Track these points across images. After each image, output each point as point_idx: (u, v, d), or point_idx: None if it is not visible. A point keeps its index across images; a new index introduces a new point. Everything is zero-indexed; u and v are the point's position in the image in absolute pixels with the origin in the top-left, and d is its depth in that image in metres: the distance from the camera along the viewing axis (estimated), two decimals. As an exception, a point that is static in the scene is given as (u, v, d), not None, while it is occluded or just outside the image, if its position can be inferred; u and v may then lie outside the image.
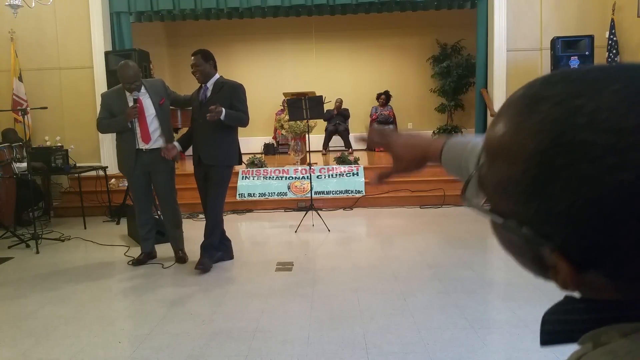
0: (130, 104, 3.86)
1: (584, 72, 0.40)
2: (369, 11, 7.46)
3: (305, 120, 5.57)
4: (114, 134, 4.18)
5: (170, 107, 4.21)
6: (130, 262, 4.15)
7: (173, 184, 4.12)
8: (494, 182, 0.44)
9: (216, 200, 3.87)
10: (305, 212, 5.45)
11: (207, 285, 3.56)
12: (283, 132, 7.85)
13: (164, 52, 10.06)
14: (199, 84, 3.90)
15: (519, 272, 3.69)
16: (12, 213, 5.41)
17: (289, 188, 6.44)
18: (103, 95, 4.20)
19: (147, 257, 4.18)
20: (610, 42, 6.16)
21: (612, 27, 6.14)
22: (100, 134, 6.69)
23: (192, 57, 3.81)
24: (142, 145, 3.95)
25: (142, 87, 3.96)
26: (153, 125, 3.94)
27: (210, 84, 3.83)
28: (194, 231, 4.33)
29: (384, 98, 9.53)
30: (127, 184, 5.89)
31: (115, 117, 3.93)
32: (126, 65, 3.86)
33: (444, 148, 0.78)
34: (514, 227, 0.42)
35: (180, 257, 4.12)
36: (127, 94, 3.89)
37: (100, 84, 6.61)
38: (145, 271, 3.94)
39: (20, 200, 5.50)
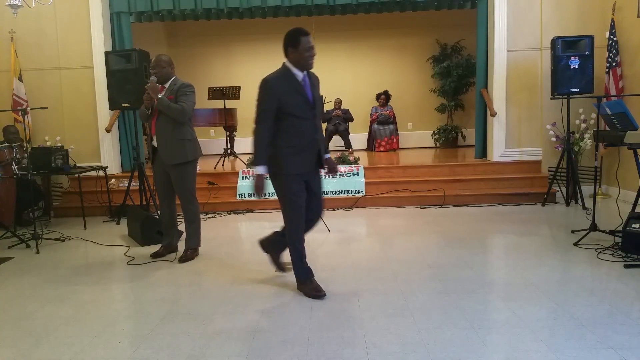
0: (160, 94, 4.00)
1: None
2: (369, 11, 7.46)
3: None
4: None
5: None
6: (150, 255, 4.25)
7: (187, 183, 4.08)
8: None
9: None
10: (305, 212, 5.45)
11: (207, 285, 3.56)
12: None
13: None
14: (283, 75, 3.08)
15: (519, 272, 3.69)
16: (12, 213, 5.41)
17: (289, 188, 6.43)
18: None
19: (166, 250, 4.27)
20: (610, 42, 6.16)
21: (612, 27, 6.14)
22: (100, 134, 6.80)
23: (309, 38, 3.03)
24: (154, 142, 4.07)
25: (169, 83, 4.03)
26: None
27: (305, 74, 3.13)
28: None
29: (384, 98, 9.52)
30: (127, 184, 5.94)
31: None
32: (157, 55, 4.09)
33: None
34: None
35: (186, 256, 4.13)
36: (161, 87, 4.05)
37: (101, 84, 6.61)
38: (145, 271, 3.94)
39: (20, 200, 5.51)
